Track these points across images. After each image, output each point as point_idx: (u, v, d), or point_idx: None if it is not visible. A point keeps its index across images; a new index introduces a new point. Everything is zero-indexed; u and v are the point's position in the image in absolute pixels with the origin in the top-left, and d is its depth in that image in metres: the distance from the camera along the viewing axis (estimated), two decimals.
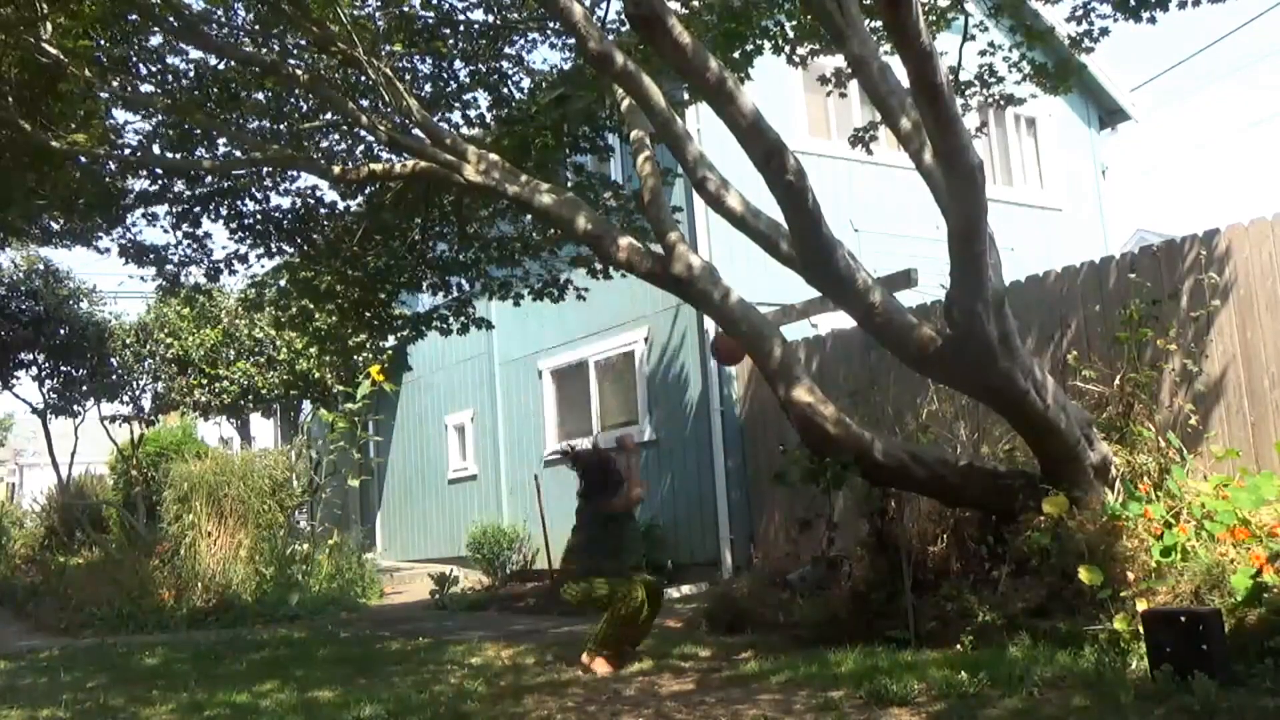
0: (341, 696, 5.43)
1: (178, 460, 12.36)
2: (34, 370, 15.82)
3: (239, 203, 8.83)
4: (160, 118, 7.91)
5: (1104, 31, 7.69)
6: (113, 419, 16.57)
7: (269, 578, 10.56)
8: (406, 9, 7.89)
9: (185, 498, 10.97)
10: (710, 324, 9.61)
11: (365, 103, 7.84)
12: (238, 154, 8.25)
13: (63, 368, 15.89)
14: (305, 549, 11.48)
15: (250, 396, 15.92)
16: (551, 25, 8.21)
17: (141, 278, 22.83)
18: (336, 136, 8.67)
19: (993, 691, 4.34)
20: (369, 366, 13.09)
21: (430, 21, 7.96)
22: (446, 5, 8.09)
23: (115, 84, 7.58)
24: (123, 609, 9.56)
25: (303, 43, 7.56)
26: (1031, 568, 5.50)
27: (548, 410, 12.34)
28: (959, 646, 5.32)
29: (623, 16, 6.89)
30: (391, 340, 11.25)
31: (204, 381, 15.79)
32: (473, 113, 8.68)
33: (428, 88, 8.39)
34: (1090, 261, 7.31)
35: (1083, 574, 5.03)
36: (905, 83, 4.85)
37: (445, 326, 9.86)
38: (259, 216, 8.92)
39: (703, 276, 6.16)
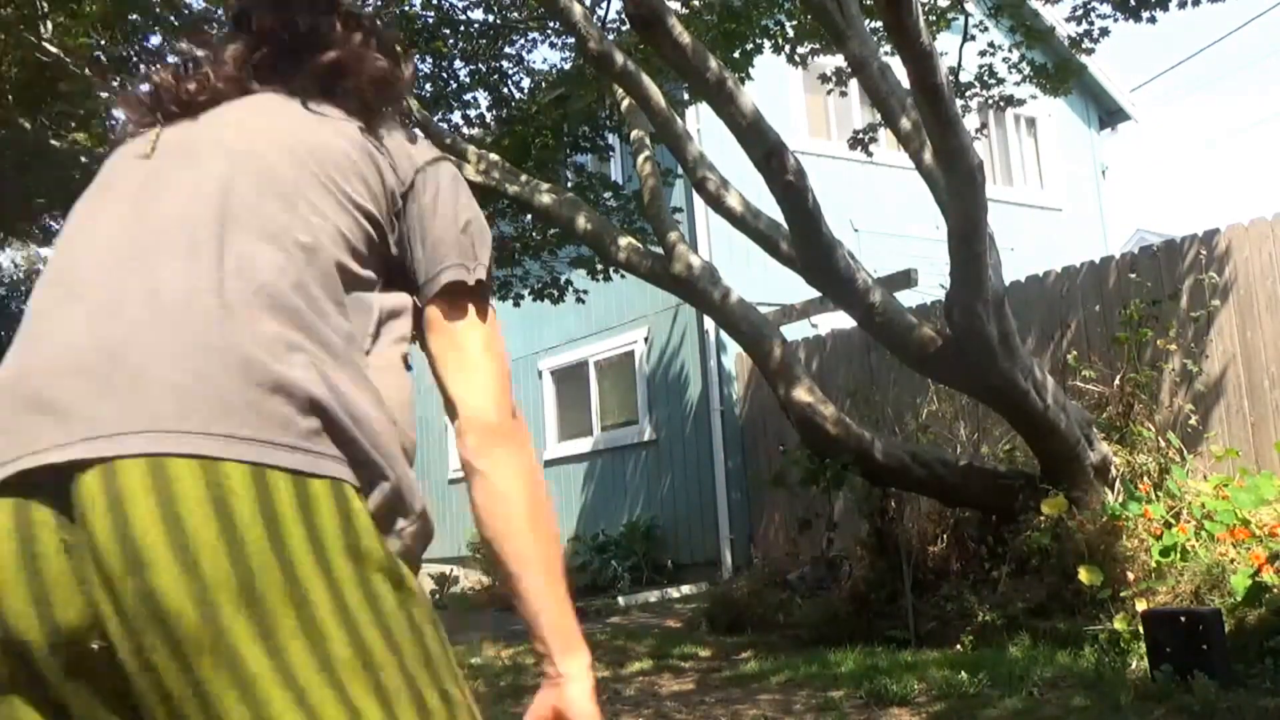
0: None
1: None
2: None
3: None
4: None
5: (1104, 32, 7.68)
6: None
7: None
8: (406, 9, 7.89)
9: None
10: (710, 324, 9.61)
11: None
12: None
13: None
14: None
15: None
16: (551, 25, 8.21)
17: None
18: None
19: (993, 691, 4.34)
20: None
21: (430, 21, 7.96)
22: (446, 5, 8.09)
23: (116, 83, 7.58)
24: None
25: None
26: (1031, 568, 5.50)
27: (547, 410, 12.34)
28: (959, 646, 5.32)
29: (623, 16, 6.89)
30: None
31: None
32: (473, 113, 8.68)
33: (428, 88, 8.39)
34: (1090, 261, 7.31)
35: (1082, 574, 5.03)
36: (905, 83, 4.85)
37: None
38: None
39: (703, 276, 6.16)
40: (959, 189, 4.89)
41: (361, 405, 0.99)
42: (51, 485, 0.88)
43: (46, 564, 0.87)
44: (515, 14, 8.48)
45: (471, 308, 1.18)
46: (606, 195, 8.78)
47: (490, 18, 8.41)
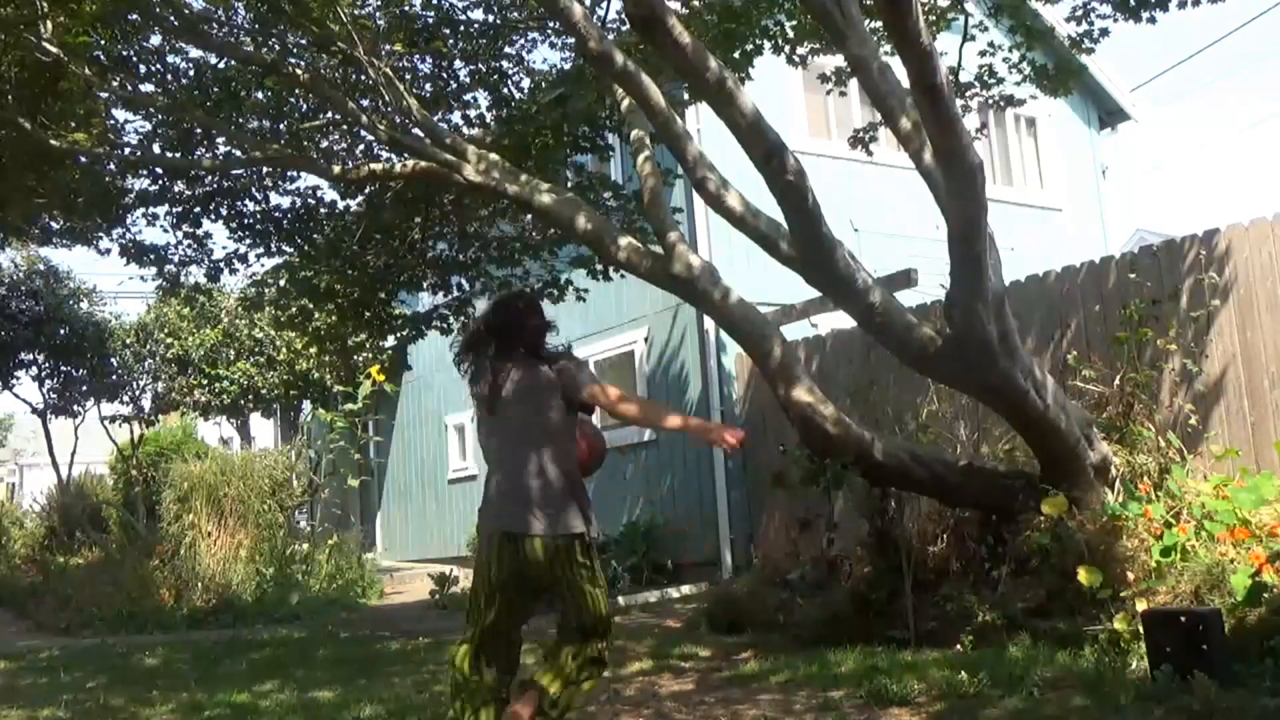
0: (341, 696, 5.43)
1: (178, 460, 12.34)
2: (34, 370, 15.81)
3: (239, 203, 8.81)
4: (160, 117, 7.90)
5: (1104, 32, 7.68)
6: (113, 419, 16.56)
7: (269, 578, 10.55)
8: (406, 9, 7.88)
9: (185, 498, 10.95)
10: (710, 324, 9.61)
11: (365, 103, 7.82)
12: (238, 154, 8.24)
13: (63, 368, 15.88)
14: (305, 549, 11.47)
15: (250, 396, 15.91)
16: (551, 25, 8.20)
17: (142, 278, 22.82)
18: (336, 136, 8.66)
19: (993, 691, 4.35)
20: (369, 366, 13.08)
21: (430, 21, 7.94)
22: (446, 5, 8.08)
23: (115, 83, 7.57)
24: (123, 609, 9.55)
25: (303, 42, 7.55)
26: (1031, 568, 5.50)
27: None
28: (959, 646, 5.32)
29: (623, 16, 6.88)
30: (391, 340, 11.24)
31: (204, 381, 15.78)
32: (473, 113, 8.66)
33: (428, 87, 8.38)
34: (1090, 261, 7.31)
35: (1082, 574, 5.03)
36: (905, 83, 4.85)
37: (445, 326, 9.85)
38: (259, 216, 8.91)
39: (702, 276, 6.15)
40: (959, 189, 4.89)
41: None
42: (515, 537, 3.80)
43: (507, 557, 3.81)
44: (515, 14, 8.46)
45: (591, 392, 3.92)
46: (606, 195, 8.77)
47: (490, 18, 8.39)
